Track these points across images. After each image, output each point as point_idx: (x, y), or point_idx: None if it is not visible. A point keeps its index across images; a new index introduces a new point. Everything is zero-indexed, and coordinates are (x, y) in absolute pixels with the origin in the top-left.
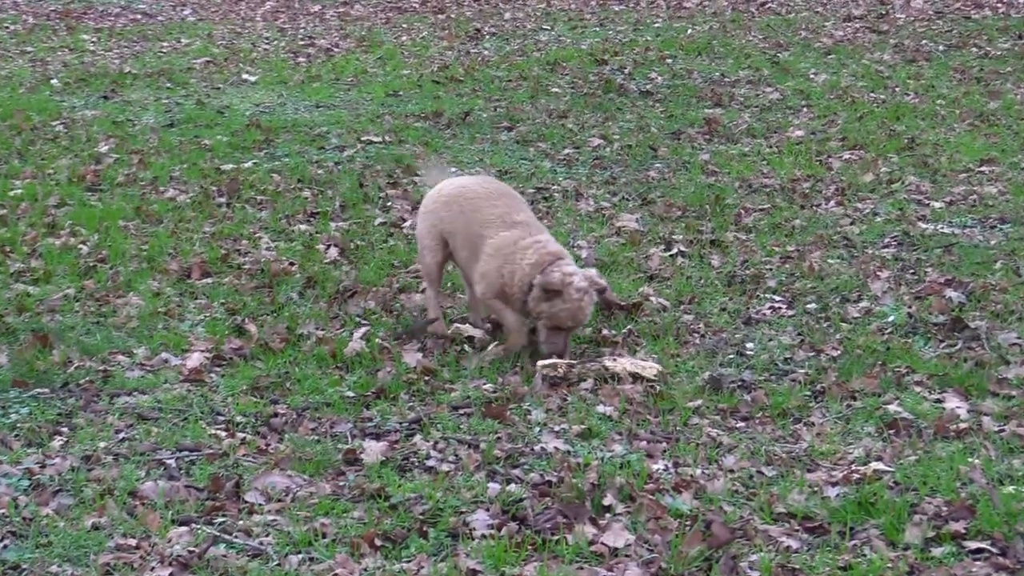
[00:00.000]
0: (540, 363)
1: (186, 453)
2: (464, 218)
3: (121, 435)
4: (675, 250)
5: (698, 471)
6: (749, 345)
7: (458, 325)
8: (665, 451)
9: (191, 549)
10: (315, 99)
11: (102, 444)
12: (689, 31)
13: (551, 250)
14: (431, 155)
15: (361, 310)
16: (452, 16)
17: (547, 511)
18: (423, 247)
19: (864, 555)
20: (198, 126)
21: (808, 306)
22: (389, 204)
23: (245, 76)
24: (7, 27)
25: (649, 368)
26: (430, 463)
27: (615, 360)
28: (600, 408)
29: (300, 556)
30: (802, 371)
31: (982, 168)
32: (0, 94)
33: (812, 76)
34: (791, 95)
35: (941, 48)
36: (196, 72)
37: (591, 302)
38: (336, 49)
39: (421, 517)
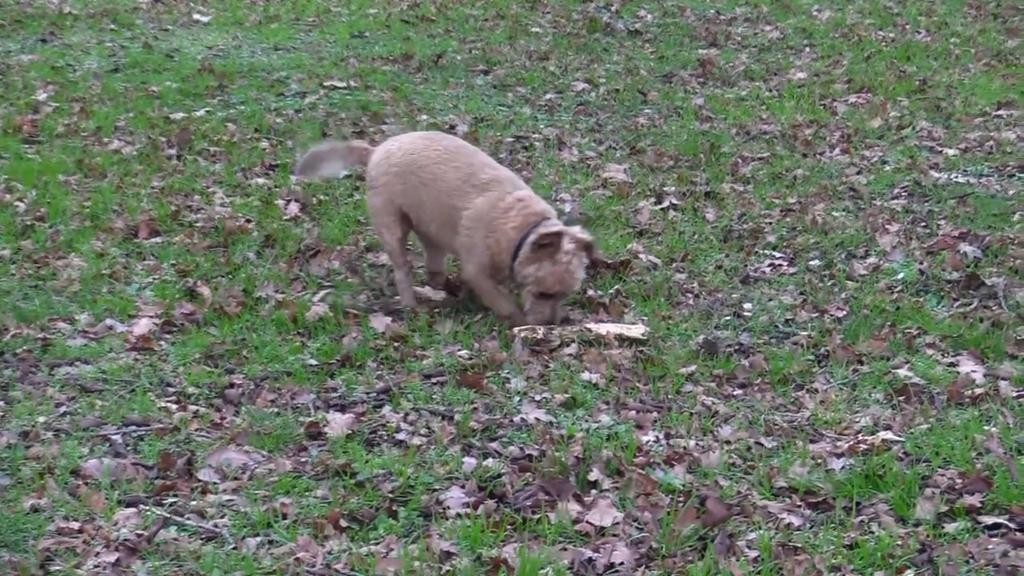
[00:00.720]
0: (518, 327)
1: (133, 428)
2: (426, 189)
3: (62, 409)
4: (666, 203)
5: (692, 443)
6: (747, 306)
7: (417, 289)
8: (656, 421)
9: (139, 532)
10: (273, 41)
11: (41, 419)
12: None
13: (535, 209)
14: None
15: (324, 271)
16: None
17: (528, 487)
18: (380, 224)
19: (871, 532)
20: (145, 71)
21: (811, 263)
22: None
23: (197, 16)
24: None
25: (635, 329)
26: (400, 436)
27: (599, 323)
28: (585, 375)
29: (258, 539)
30: (804, 333)
31: (999, 112)
32: None
33: (815, 13)
34: (792, 34)
35: None
36: (143, 12)
37: (581, 265)
38: None
39: (390, 495)
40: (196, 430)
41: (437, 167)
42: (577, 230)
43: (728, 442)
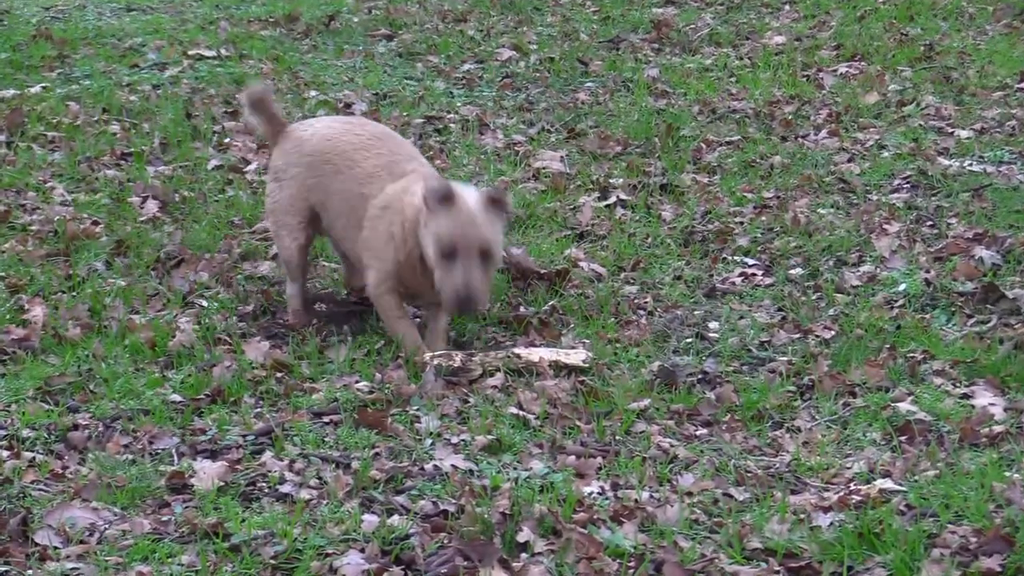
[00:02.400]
0: (430, 353)
1: None
2: (339, 178)
3: None
4: (613, 199)
5: (645, 495)
6: (713, 325)
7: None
8: (601, 469)
9: None
10: (126, 0)
11: None
12: None
13: (435, 173)
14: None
15: (190, 284)
16: None
17: (442, 551)
18: (280, 224)
19: None
20: None
21: (792, 272)
22: (227, 141)
23: None
24: None
25: (574, 355)
26: (284, 489)
27: (530, 347)
28: (513, 412)
29: None
30: (784, 359)
31: (1022, 85)
32: None
33: None
34: None
35: None
36: None
37: (489, 220)
38: None
39: (273, 562)
40: (32, 482)
41: (357, 153)
42: (488, 189)
43: (689, 493)
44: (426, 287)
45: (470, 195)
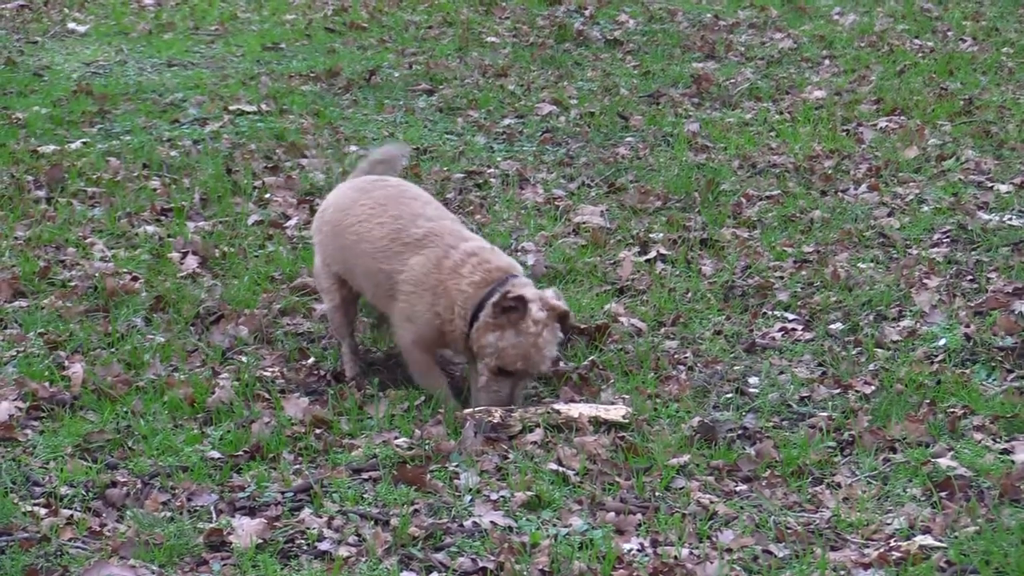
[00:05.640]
0: (470, 408)
1: None
2: (354, 252)
3: None
4: (653, 253)
5: (684, 551)
6: (753, 380)
7: None
8: (640, 525)
9: None
10: (167, 55)
11: None
12: None
13: (497, 264)
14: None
15: (229, 340)
16: None
17: None
18: (319, 287)
19: None
20: (7, 94)
21: (831, 327)
22: (267, 197)
23: (72, 25)
24: None
25: (614, 411)
26: (323, 546)
27: (570, 403)
28: (552, 468)
29: None
30: (824, 415)
31: None
32: None
33: (836, 17)
34: (808, 43)
35: None
36: (5, 21)
37: (552, 339)
38: None
39: None
40: (70, 540)
41: (362, 225)
42: (551, 294)
43: (729, 550)
44: (458, 351)
45: (536, 308)
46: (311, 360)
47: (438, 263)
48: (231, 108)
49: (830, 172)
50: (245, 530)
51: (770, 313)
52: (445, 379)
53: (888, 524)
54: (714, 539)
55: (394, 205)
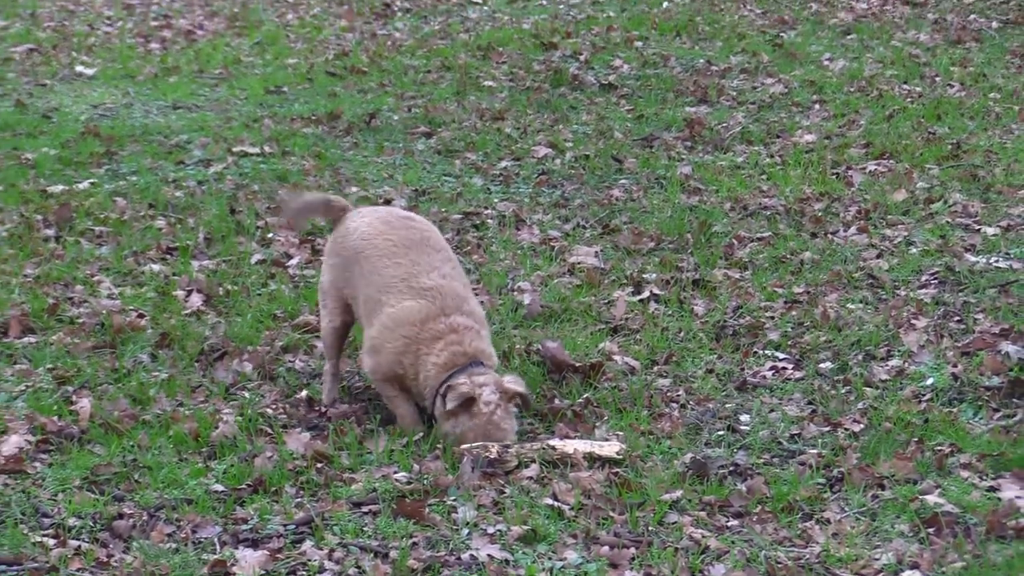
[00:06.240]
0: (467, 445)
1: (2, 568)
2: (364, 282)
3: None
4: (646, 293)
5: None
6: (744, 418)
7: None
8: (634, 559)
9: None
10: (172, 98)
11: None
12: (665, 4)
13: (466, 349)
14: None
15: (233, 377)
16: None
17: None
18: (322, 305)
19: None
20: (17, 135)
21: (821, 366)
22: (270, 236)
23: (80, 68)
24: None
25: (608, 447)
26: None
27: (565, 439)
28: (548, 502)
29: None
30: (814, 452)
31: None
32: None
33: (826, 62)
34: (799, 88)
35: (995, 25)
36: (15, 64)
37: (507, 416)
38: (200, 31)
39: None
40: (78, 570)
41: (381, 260)
42: (509, 379)
43: None
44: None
45: (488, 391)
46: (304, 394)
47: (423, 321)
48: (235, 150)
49: (820, 215)
50: (248, 562)
51: (761, 352)
52: (409, 405)
53: (877, 559)
54: (706, 573)
55: (416, 251)
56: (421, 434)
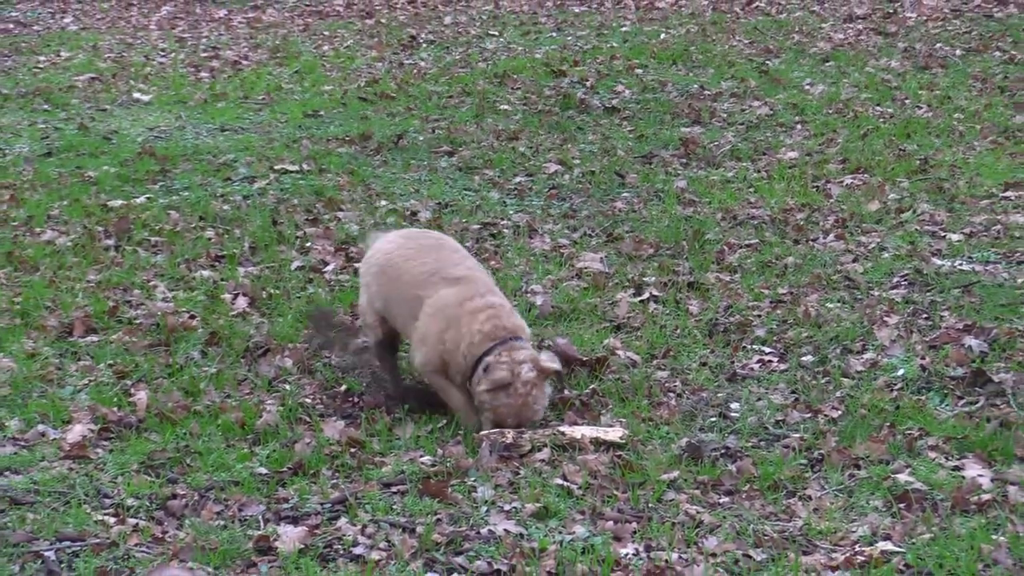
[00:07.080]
0: (485, 431)
1: (68, 543)
2: (395, 285)
3: None
4: (646, 295)
5: (674, 556)
6: (734, 406)
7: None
8: (635, 532)
9: None
10: (220, 121)
11: None
12: (662, 36)
13: (506, 324)
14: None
15: (275, 371)
16: (382, 21)
17: None
18: (364, 324)
19: None
20: (81, 155)
21: (803, 359)
22: (308, 245)
23: (137, 95)
24: None
25: (612, 432)
26: (357, 551)
27: (573, 426)
28: (558, 482)
29: None
30: (796, 436)
31: (1007, 194)
32: None
33: (807, 87)
34: (783, 110)
35: (958, 52)
36: (78, 91)
37: (542, 396)
38: (245, 62)
39: None
40: (136, 545)
41: (407, 263)
42: (545, 356)
43: (714, 555)
44: (458, 379)
45: (526, 369)
46: (343, 388)
47: (463, 300)
48: (276, 168)
49: (802, 223)
50: (289, 537)
51: (749, 347)
52: (464, 394)
53: (853, 532)
54: (700, 545)
55: (437, 251)
56: (473, 422)
